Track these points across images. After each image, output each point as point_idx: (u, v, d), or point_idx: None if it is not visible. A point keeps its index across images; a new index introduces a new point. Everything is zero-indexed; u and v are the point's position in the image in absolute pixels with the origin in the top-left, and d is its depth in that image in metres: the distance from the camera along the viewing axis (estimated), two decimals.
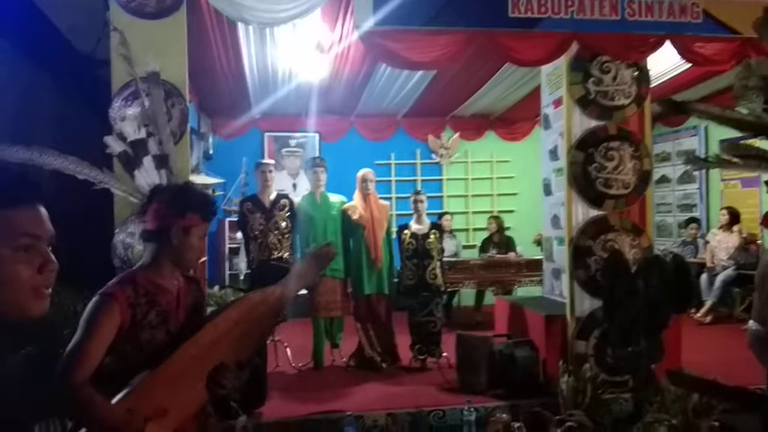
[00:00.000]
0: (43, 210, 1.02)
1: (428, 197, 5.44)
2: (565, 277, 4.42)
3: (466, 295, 7.45)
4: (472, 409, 3.75)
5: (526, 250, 7.21)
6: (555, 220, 4.85)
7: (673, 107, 2.15)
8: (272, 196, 4.87)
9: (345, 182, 5.51)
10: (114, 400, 1.76)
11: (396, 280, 5.22)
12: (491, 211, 8.11)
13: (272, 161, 5.46)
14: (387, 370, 4.93)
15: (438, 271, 5.09)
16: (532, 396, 4.04)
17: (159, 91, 3.18)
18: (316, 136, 7.98)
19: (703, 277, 6.89)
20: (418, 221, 5.19)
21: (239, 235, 5.54)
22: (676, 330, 4.19)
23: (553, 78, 4.83)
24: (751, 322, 2.88)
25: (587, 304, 4.19)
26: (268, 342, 4.41)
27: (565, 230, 4.37)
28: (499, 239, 7.35)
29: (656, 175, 8.31)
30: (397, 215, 7.40)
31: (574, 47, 4.20)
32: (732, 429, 3.13)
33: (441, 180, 8.45)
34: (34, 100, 4.50)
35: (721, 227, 7.02)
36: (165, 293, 1.91)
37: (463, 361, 4.48)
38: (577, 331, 4.16)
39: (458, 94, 6.88)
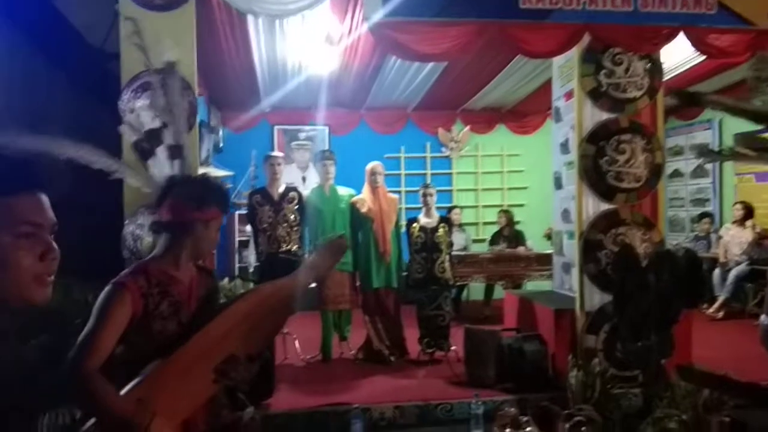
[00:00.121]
0: (44, 198, 1.01)
1: (438, 191, 5.42)
2: (575, 272, 4.39)
3: (476, 289, 7.43)
4: (479, 403, 3.73)
5: (536, 244, 7.17)
6: (565, 214, 4.81)
7: (686, 98, 2.11)
8: (281, 189, 4.87)
9: (354, 175, 5.50)
10: (124, 390, 1.76)
11: (405, 273, 5.21)
12: (501, 205, 8.07)
13: (281, 154, 5.46)
14: (395, 363, 4.93)
15: (447, 264, 5.07)
16: (540, 390, 4.03)
17: (176, 81, 3.17)
18: (326, 129, 7.96)
19: (716, 272, 6.82)
20: (427, 215, 5.18)
21: (249, 227, 5.54)
22: (687, 325, 4.15)
23: (564, 70, 4.78)
24: (763, 317, 2.84)
25: (597, 298, 4.16)
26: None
27: (576, 224, 4.34)
28: (509, 233, 7.31)
29: (669, 169, 8.21)
30: (407, 209, 7.40)
31: (586, 39, 4.16)
32: (743, 425, 3.09)
33: (451, 174, 8.42)
34: (45, 92, 4.52)
35: (734, 222, 6.94)
36: (177, 284, 1.91)
37: (472, 355, 4.47)
38: (587, 325, 4.13)
39: (469, 87, 6.84)
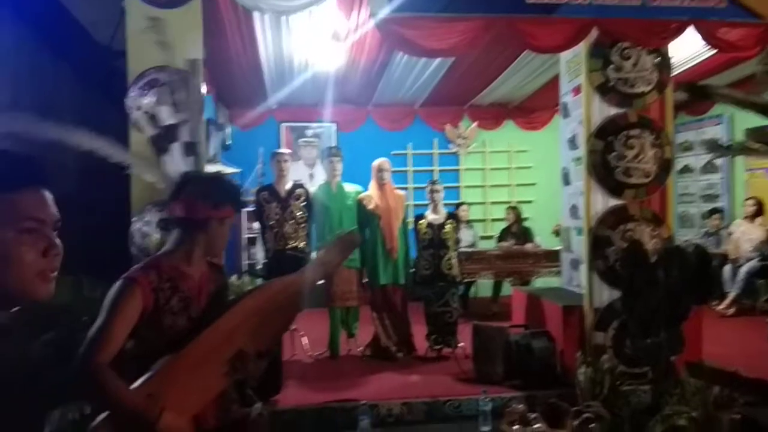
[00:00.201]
0: (48, 194, 1.02)
1: (445, 187, 5.40)
2: (583, 268, 4.36)
3: (484, 286, 7.41)
4: (487, 399, 3.72)
5: (544, 240, 7.13)
6: (573, 210, 4.79)
7: (695, 92, 2.09)
8: (288, 186, 4.87)
9: (362, 172, 5.49)
10: (135, 385, 1.77)
11: (412, 270, 5.21)
12: (509, 202, 8.03)
13: (288, 151, 5.46)
14: (402, 359, 4.93)
15: (454, 261, 5.06)
16: (548, 387, 4.02)
17: (198, 79, 3.18)
18: (333, 126, 7.95)
19: (727, 268, 6.76)
20: (435, 211, 5.16)
21: (257, 224, 5.56)
22: (697, 322, 4.12)
23: (572, 65, 4.74)
24: None
25: (606, 294, 4.14)
26: None
27: (584, 220, 4.31)
28: (517, 230, 7.28)
29: (679, 165, 8.15)
30: (414, 205, 7.38)
31: (594, 33, 4.12)
32: (754, 422, 3.06)
33: (458, 170, 8.39)
34: (51, 88, 4.54)
35: (745, 218, 6.88)
36: (188, 279, 1.91)
37: (480, 352, 4.45)
38: (596, 322, 4.11)
39: (476, 83, 6.81)
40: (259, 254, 6.58)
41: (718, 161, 7.71)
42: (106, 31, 4.78)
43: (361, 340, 5.19)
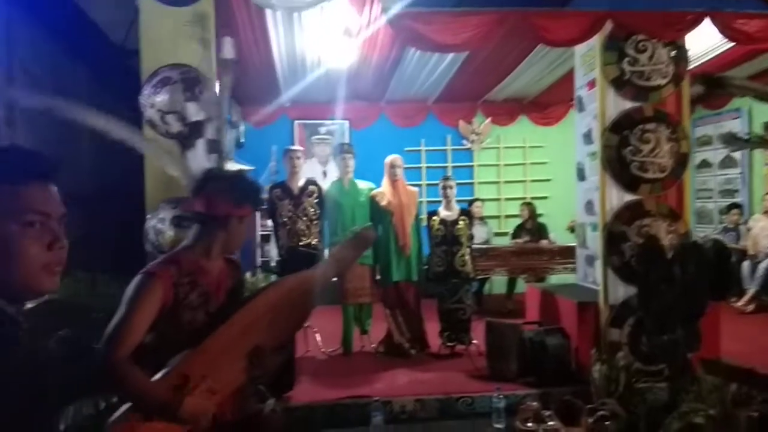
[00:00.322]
0: (54, 189, 1.03)
1: (459, 184, 5.38)
2: (598, 264, 4.32)
3: (498, 283, 7.37)
4: (501, 396, 3.70)
5: (559, 237, 7.07)
6: (588, 206, 4.74)
7: (710, 83, 2.05)
8: (301, 183, 4.88)
9: (375, 169, 5.47)
10: (154, 379, 1.79)
11: (425, 267, 5.19)
12: (524, 198, 7.98)
13: (300, 148, 5.47)
14: (416, 356, 4.92)
15: (467, 257, 5.04)
16: (563, 384, 3.98)
17: (228, 77, 3.20)
18: (346, 123, 7.96)
19: (745, 264, 6.65)
20: (447, 207, 5.14)
21: (270, 222, 5.58)
22: (715, 318, 4.06)
23: (587, 59, 4.69)
24: None
25: (621, 291, 4.09)
26: None
27: (599, 216, 4.26)
28: (532, 226, 7.23)
29: (697, 160, 8.04)
30: (428, 202, 7.37)
31: (608, 26, 4.07)
32: None
33: (472, 166, 8.35)
34: (70, 89, 4.60)
35: (765, 212, 6.76)
36: (207, 274, 1.93)
37: (493, 349, 4.43)
38: (611, 318, 4.06)
39: (490, 78, 6.76)
40: (273, 251, 6.60)
41: (737, 156, 7.58)
42: (123, 31, 4.83)
43: (374, 337, 5.19)
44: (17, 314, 1.01)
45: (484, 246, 6.75)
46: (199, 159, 3.39)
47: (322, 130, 8.09)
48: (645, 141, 4.07)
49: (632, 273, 3.96)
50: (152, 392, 1.73)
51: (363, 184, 5.16)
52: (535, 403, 3.54)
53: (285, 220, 4.75)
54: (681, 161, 4.14)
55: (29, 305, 2.97)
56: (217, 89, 3.26)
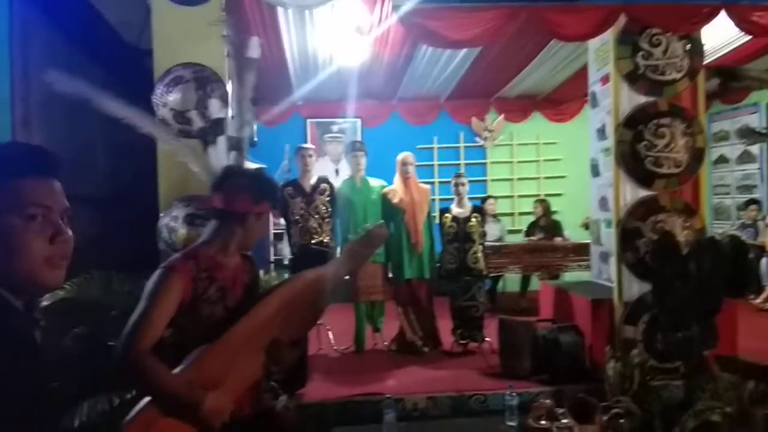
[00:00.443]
0: (56, 183, 1.03)
1: (472, 181, 5.36)
2: (613, 261, 4.27)
3: (512, 281, 7.33)
4: (514, 394, 3.68)
5: (573, 234, 7.02)
6: (603, 202, 4.69)
7: (725, 76, 2.01)
8: (313, 181, 4.88)
9: (387, 167, 5.47)
10: (173, 372, 1.80)
11: (438, 264, 5.17)
12: (538, 195, 7.93)
13: (312, 146, 5.48)
14: (428, 354, 4.91)
15: (480, 254, 5.01)
16: (577, 382, 3.95)
17: (252, 75, 3.22)
18: (358, 121, 7.96)
19: (764, 261, 6.54)
20: (459, 204, 5.12)
21: (283, 220, 5.59)
22: (732, 315, 4.00)
23: (600, 53, 4.64)
24: None
25: (636, 288, 4.04)
26: None
27: (613, 212, 4.22)
28: (546, 223, 7.18)
29: (714, 155, 7.93)
30: (440, 199, 7.34)
31: (622, 20, 4.02)
32: None
33: (485, 163, 8.31)
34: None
35: None
36: (224, 270, 1.94)
37: (506, 346, 4.40)
38: (626, 315, 4.02)
39: (502, 75, 6.72)
40: (286, 250, 6.63)
41: (755, 151, 7.47)
42: (136, 31, 4.86)
43: (387, 335, 5.19)
44: (24, 307, 1.02)
45: (497, 243, 6.71)
46: (220, 156, 3.42)
47: (335, 128, 8.10)
48: (660, 136, 4.01)
49: (647, 269, 3.91)
50: (174, 388, 1.73)
51: (375, 182, 5.15)
52: (548, 401, 3.52)
53: (297, 218, 4.76)
54: (697, 156, 4.08)
55: (45, 303, 3.01)
56: (237, 88, 3.27)
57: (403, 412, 3.76)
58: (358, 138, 7.62)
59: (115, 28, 5.05)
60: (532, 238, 7.04)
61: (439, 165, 8.13)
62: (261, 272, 5.23)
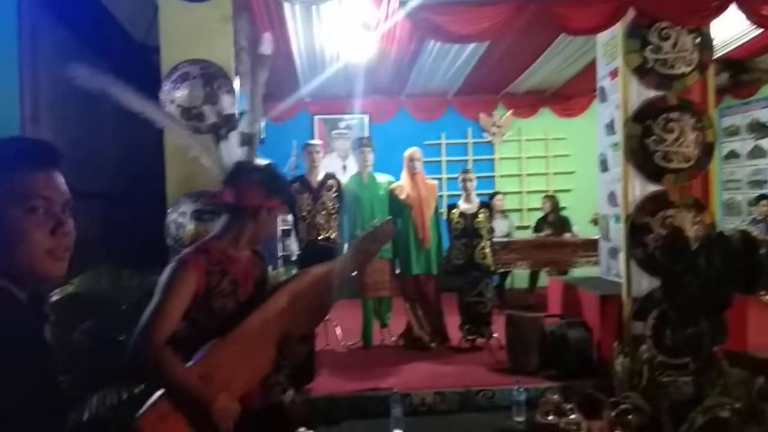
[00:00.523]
0: (58, 176, 1.04)
1: (480, 177, 5.34)
2: (622, 256, 4.25)
3: (520, 277, 7.30)
4: (521, 390, 3.68)
5: (583, 230, 6.98)
6: (611, 198, 4.67)
7: (734, 68, 1.99)
8: (320, 177, 4.89)
9: (395, 164, 5.46)
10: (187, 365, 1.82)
11: (446, 260, 5.16)
12: (546, 191, 7.89)
13: (319, 142, 5.49)
14: (436, 349, 4.91)
15: (487, 250, 5.00)
16: (585, 378, 3.93)
17: (264, 72, 3.24)
18: (366, 117, 7.95)
19: None
20: (467, 200, 5.11)
21: (290, 216, 5.61)
22: (742, 310, 3.97)
23: (609, 48, 4.61)
24: None
25: (645, 283, 4.01)
26: None
27: (622, 207, 4.19)
28: (554, 219, 7.15)
29: (725, 150, 7.86)
30: (448, 196, 7.33)
31: (631, 13, 3.98)
32: None
33: (493, 159, 8.28)
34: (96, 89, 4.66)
35: None
36: (235, 263, 1.96)
37: (514, 342, 4.40)
38: (635, 311, 3.99)
39: (511, 70, 6.67)
40: (293, 246, 6.64)
41: (766, 146, 7.38)
42: (144, 28, 4.88)
43: (394, 331, 5.19)
44: (28, 299, 1.03)
45: (504, 239, 6.69)
46: (232, 151, 3.44)
47: (342, 124, 8.10)
48: (669, 130, 3.98)
49: (656, 265, 3.88)
50: (187, 384, 1.74)
51: (382, 178, 5.15)
52: (556, 397, 3.51)
53: (304, 214, 4.78)
54: (706, 151, 4.05)
55: (55, 298, 3.03)
56: (250, 84, 3.27)
57: (410, 407, 3.76)
58: (366, 134, 7.62)
59: (123, 25, 5.07)
60: (540, 234, 7.01)
61: (447, 161, 8.11)
62: (269, 268, 5.26)
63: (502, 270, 6.54)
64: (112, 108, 4.72)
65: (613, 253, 4.68)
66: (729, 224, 7.28)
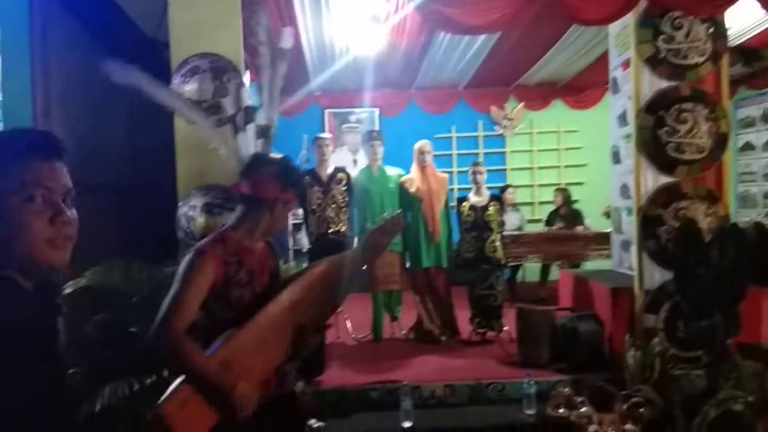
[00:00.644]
0: (59, 165, 1.04)
1: (491, 170, 5.31)
2: (634, 249, 4.21)
3: (531, 270, 7.27)
4: (532, 383, 3.66)
5: (595, 223, 6.93)
6: (624, 190, 4.62)
7: (747, 56, 1.96)
8: (330, 170, 4.89)
9: (406, 158, 5.44)
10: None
11: (456, 253, 5.15)
12: (558, 184, 7.84)
13: (329, 135, 5.48)
14: (446, 343, 4.90)
15: (498, 243, 4.98)
16: (596, 371, 3.91)
17: (284, 65, 3.24)
18: (376, 111, 7.94)
19: None
20: (477, 193, 5.08)
21: (301, 210, 5.62)
22: (756, 303, 3.91)
23: (621, 38, 4.55)
24: None
25: (657, 276, 3.97)
26: None
27: (634, 199, 4.15)
28: (566, 212, 7.10)
29: (740, 142, 7.74)
30: (459, 189, 7.30)
31: (643, 3, 3.93)
32: None
33: (504, 152, 8.23)
34: (105, 82, 4.69)
35: None
36: (251, 254, 1.98)
37: (524, 335, 4.38)
38: (647, 304, 3.95)
39: (522, 62, 6.63)
40: (304, 240, 6.66)
41: None
42: (155, 23, 4.90)
43: (405, 324, 5.19)
44: (34, 289, 1.04)
45: (515, 232, 6.65)
46: (249, 143, 3.45)
47: (352, 118, 8.09)
48: (682, 121, 3.93)
49: (669, 257, 3.84)
50: (207, 370, 1.77)
51: (392, 171, 5.14)
52: (566, 390, 3.50)
53: (314, 207, 4.78)
54: (720, 142, 3.99)
55: (68, 290, 3.06)
56: (269, 77, 3.27)
57: (420, 400, 3.76)
58: (376, 128, 7.61)
59: (134, 20, 5.09)
60: (552, 227, 6.97)
61: (458, 154, 8.08)
62: (280, 261, 5.28)
63: (513, 263, 6.51)
64: (122, 102, 4.75)
65: (626, 245, 4.64)
66: (744, 216, 7.18)
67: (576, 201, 7.37)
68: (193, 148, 3.70)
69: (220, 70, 3.72)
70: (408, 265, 5.12)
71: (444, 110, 7.76)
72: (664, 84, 4.00)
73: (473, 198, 5.07)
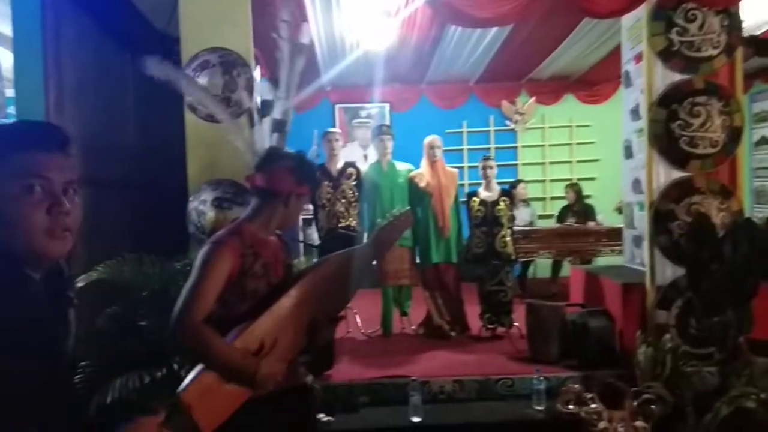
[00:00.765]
0: (61, 157, 1.05)
1: (503, 165, 5.28)
2: (646, 245, 4.17)
3: (542, 266, 7.23)
4: (541, 378, 3.65)
5: (608, 218, 6.87)
6: (636, 185, 4.58)
7: (760, 46, 1.92)
8: (339, 165, 4.89)
9: (416, 153, 5.43)
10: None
11: (466, 248, 5.13)
12: (570, 179, 7.78)
13: (338, 130, 5.49)
14: (456, 338, 4.89)
15: (508, 239, 4.95)
16: (606, 367, 3.88)
17: (302, 61, 3.25)
18: (387, 106, 7.92)
19: None
20: (487, 188, 5.06)
21: (311, 205, 5.64)
22: None
23: (634, 31, 4.50)
24: None
25: (669, 272, 3.94)
26: None
27: (646, 194, 4.11)
28: (578, 208, 7.04)
29: (755, 137, 7.64)
30: (470, 184, 7.26)
31: None
32: None
33: (516, 147, 8.18)
34: (116, 76, 4.72)
35: None
36: (266, 247, 2.00)
37: (534, 331, 4.36)
38: (658, 300, 3.92)
39: (534, 55, 6.57)
40: (314, 235, 6.66)
41: None
42: (165, 18, 4.91)
43: (414, 319, 5.19)
44: (44, 280, 1.05)
45: (526, 228, 6.62)
46: (264, 137, 3.46)
47: (363, 113, 8.08)
48: (695, 115, 3.87)
49: (681, 253, 3.80)
50: (229, 356, 1.80)
51: (402, 166, 5.13)
52: (576, 386, 3.48)
53: (324, 202, 4.79)
54: (734, 136, 3.93)
55: (80, 284, 3.09)
56: (287, 72, 3.28)
57: (429, 395, 3.77)
58: (387, 123, 7.59)
59: (144, 15, 5.12)
60: (564, 223, 6.92)
61: (469, 149, 8.04)
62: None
63: (524, 259, 6.48)
64: (134, 97, 4.77)
65: (637, 241, 4.60)
66: (759, 212, 7.10)
67: (588, 196, 7.31)
68: (203, 144, 3.72)
69: (229, 64, 3.73)
70: (418, 260, 5.11)
71: (455, 105, 7.72)
72: (677, 77, 3.95)
73: (483, 193, 5.05)
